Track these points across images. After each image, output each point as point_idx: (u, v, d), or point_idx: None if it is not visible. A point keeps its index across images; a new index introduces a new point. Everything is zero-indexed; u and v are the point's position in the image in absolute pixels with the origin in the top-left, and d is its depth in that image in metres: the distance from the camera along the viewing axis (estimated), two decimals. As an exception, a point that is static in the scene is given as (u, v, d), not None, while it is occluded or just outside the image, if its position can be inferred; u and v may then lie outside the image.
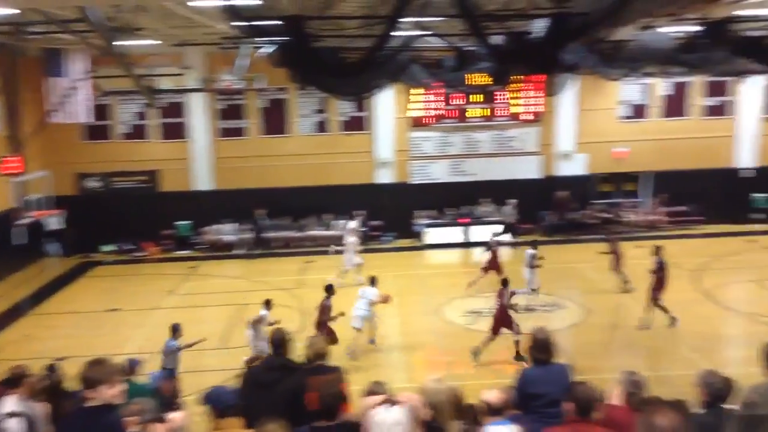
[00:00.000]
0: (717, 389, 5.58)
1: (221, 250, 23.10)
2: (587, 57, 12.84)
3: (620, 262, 17.10)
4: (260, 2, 9.66)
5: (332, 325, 13.23)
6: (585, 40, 10.92)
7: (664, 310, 14.70)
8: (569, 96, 22.71)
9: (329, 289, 13.49)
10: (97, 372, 4.53)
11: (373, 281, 14.46)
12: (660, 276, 14.63)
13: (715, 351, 13.66)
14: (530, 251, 16.67)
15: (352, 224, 19.68)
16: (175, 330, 11.65)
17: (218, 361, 13.96)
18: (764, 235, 22.10)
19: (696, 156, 23.54)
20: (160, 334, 15.53)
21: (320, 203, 23.43)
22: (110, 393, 4.50)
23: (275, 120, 23.67)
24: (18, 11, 11.83)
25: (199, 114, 23.43)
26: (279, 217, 23.52)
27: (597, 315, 15.76)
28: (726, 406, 5.80)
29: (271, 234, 23.27)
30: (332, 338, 12.65)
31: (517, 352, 12.83)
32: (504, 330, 13.08)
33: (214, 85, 20.28)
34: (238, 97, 23.27)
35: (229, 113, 23.68)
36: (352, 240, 19.12)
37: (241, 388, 6.28)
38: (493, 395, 5.41)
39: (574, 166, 23.93)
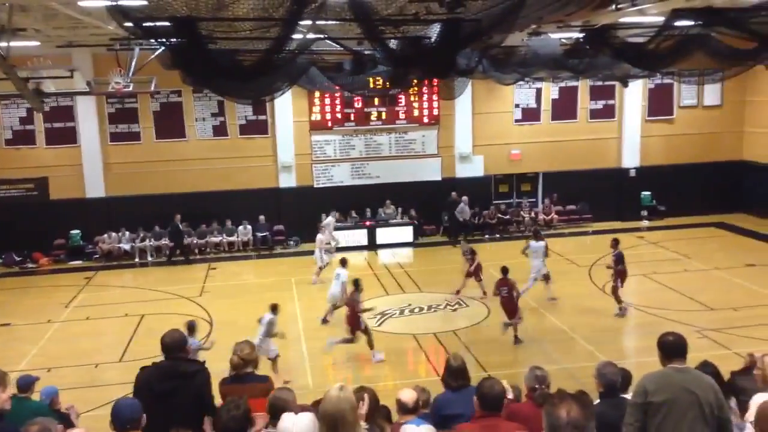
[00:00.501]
0: (612, 380, 5.87)
1: (118, 259, 22.20)
2: (481, 62, 13.20)
3: (477, 269, 17.20)
4: (148, 3, 9.33)
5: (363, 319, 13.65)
6: (478, 45, 11.24)
7: (618, 300, 15.56)
8: (466, 99, 23.30)
9: (357, 284, 13.80)
10: None
11: (343, 263, 15.54)
12: (619, 268, 15.47)
13: (611, 343, 14.33)
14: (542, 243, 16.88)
15: (327, 221, 20.49)
16: (191, 328, 11.37)
17: (118, 374, 13.41)
18: (651, 231, 23.44)
19: (585, 157, 24.72)
20: (57, 349, 14.89)
21: (222, 209, 22.94)
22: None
23: (170, 124, 22.96)
24: None
25: (89, 118, 22.42)
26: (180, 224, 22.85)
27: (500, 313, 16.15)
28: (624, 396, 6.13)
29: (170, 241, 22.61)
30: (353, 332, 13.43)
31: (516, 336, 14.24)
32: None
33: (104, 88, 19.40)
34: (130, 101, 22.44)
35: (121, 117, 22.77)
36: (321, 237, 19.35)
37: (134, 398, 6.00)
38: (407, 394, 5.44)
39: (473, 168, 24.56)
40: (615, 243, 15.81)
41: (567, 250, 21.46)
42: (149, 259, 22.34)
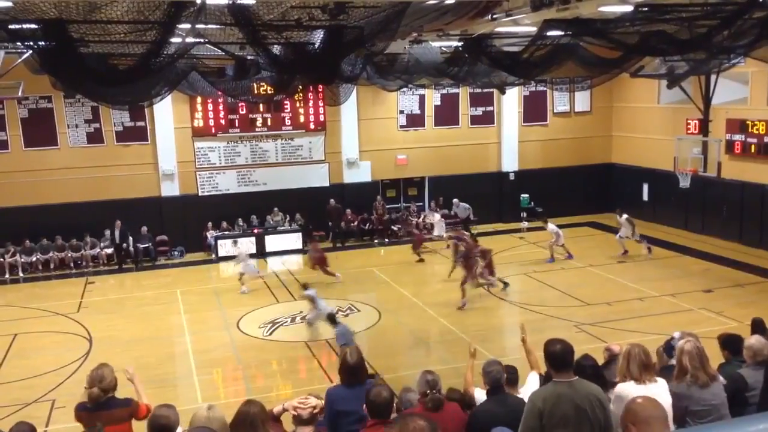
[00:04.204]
0: (497, 377, 6.05)
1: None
2: (365, 68, 13.34)
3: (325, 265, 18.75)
4: (13, 4, 8.78)
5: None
6: (361, 52, 11.36)
7: (463, 293, 16.35)
8: (352, 106, 23.44)
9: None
10: None
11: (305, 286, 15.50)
12: (468, 263, 16.41)
13: (497, 341, 14.86)
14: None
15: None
16: None
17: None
18: (530, 232, 24.48)
19: (468, 161, 25.50)
20: None
21: (100, 219, 21.85)
22: None
23: (40, 131, 21.59)
24: None
25: (-53, 125, 20.77)
26: (53, 237, 21.57)
27: (390, 316, 16.38)
28: (511, 393, 6.33)
29: (45, 255, 21.32)
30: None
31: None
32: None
33: (-36, 94, 18.06)
34: (-5, 107, 20.99)
35: (-14, 124, 21.25)
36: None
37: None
38: (302, 407, 5.31)
39: (360, 173, 24.75)
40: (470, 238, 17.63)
41: (450, 253, 22.04)
42: (20, 274, 20.93)
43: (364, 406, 5.20)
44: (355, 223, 24.07)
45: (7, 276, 20.77)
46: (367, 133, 24.65)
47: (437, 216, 23.55)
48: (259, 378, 13.39)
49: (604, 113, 26.84)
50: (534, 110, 26.22)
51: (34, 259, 21.23)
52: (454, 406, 5.90)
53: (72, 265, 21.45)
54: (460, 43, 13.22)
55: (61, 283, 20.35)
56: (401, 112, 25.06)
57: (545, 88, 23.49)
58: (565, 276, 19.06)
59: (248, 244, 22.11)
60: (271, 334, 15.46)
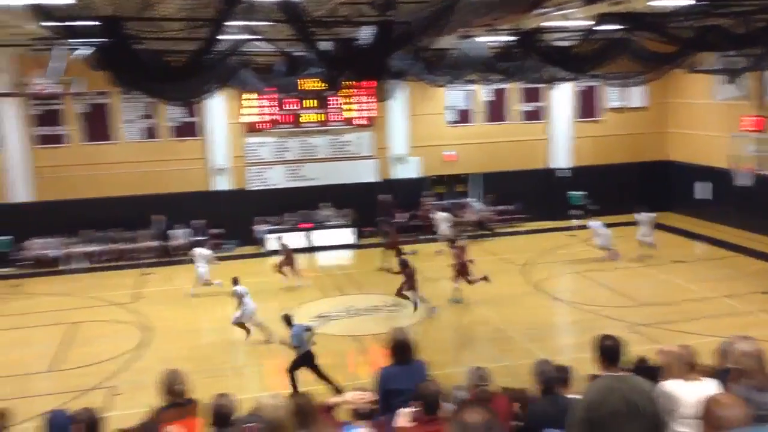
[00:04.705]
0: (550, 377, 5.98)
1: (46, 266, 21.37)
2: (413, 64, 13.30)
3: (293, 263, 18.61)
4: (73, 1, 9.05)
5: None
6: (409, 47, 11.32)
7: (403, 297, 16.16)
8: (400, 101, 23.44)
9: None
10: None
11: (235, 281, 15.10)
12: (407, 272, 16.00)
13: (548, 340, 14.63)
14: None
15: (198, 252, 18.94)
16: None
17: (51, 384, 13.05)
18: (583, 230, 24.05)
19: (517, 158, 25.21)
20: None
21: (154, 212, 22.40)
22: None
23: (98, 126, 22.28)
24: None
25: (11, 121, 21.53)
26: (108, 229, 22.22)
27: (439, 312, 16.30)
28: (564, 394, 6.24)
29: (102, 247, 21.96)
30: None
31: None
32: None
33: (26, 90, 18.69)
34: (55, 102, 21.67)
35: (46, 119, 21.97)
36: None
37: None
38: (360, 401, 5.35)
39: (409, 169, 24.73)
40: (399, 252, 17.28)
41: (502, 250, 21.86)
42: (79, 265, 21.58)
43: (418, 402, 5.18)
44: (405, 218, 24.00)
45: (66, 266, 21.44)
46: (416, 129, 24.60)
47: (443, 215, 22.52)
48: (309, 371, 13.49)
49: (660, 109, 26.16)
50: (587, 106, 25.75)
51: (92, 250, 21.88)
52: (502, 399, 5.85)
53: (126, 257, 22.02)
54: (509, 38, 13.07)
55: (117, 273, 20.90)
56: (450, 107, 24.92)
57: (597, 84, 23.02)
58: (618, 275, 18.68)
59: (297, 239, 22.33)
60: (321, 327, 15.59)
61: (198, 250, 18.63)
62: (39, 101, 21.36)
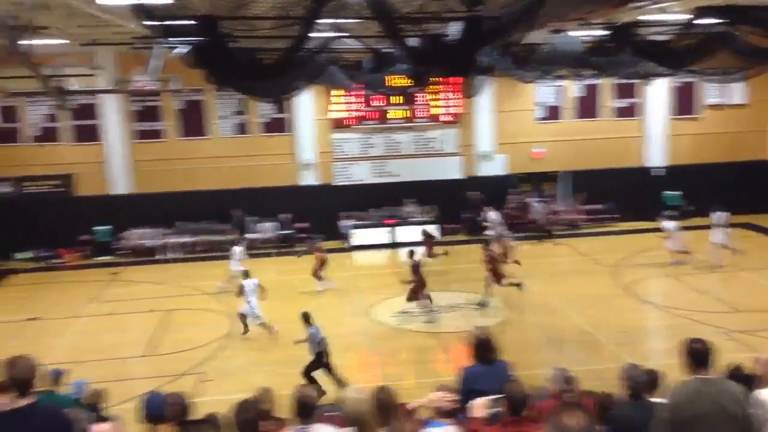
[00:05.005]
0: (640, 382, 5.78)
1: (143, 255, 22.42)
2: (502, 60, 13.12)
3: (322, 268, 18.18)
4: (172, 1, 9.43)
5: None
6: (498, 43, 11.17)
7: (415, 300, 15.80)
8: (487, 98, 23.18)
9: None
10: (26, 369, 4.35)
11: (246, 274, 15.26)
12: (417, 277, 15.68)
13: (637, 344, 14.14)
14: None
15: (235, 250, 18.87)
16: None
17: (146, 368, 13.70)
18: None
19: (609, 155, 24.45)
20: (83, 343, 15.12)
21: (243, 206, 23.08)
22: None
23: (193, 122, 23.18)
24: None
25: (113, 116, 22.70)
26: (201, 221, 23.07)
27: (522, 312, 16.09)
28: (652, 399, 6.03)
29: (195, 238, 22.81)
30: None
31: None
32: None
33: (127, 86, 19.61)
34: (154, 99, 22.67)
35: (145, 115, 23.04)
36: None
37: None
38: (444, 400, 5.34)
39: (495, 167, 24.44)
40: (411, 253, 16.30)
41: (592, 250, 21.30)
42: (174, 255, 22.50)
43: (506, 402, 5.10)
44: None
45: (162, 256, 22.41)
46: (503, 126, 24.28)
47: (494, 215, 21.58)
48: (390, 366, 13.59)
49: (761, 107, 24.79)
50: (684, 102, 24.69)
51: (185, 241, 22.77)
52: (588, 404, 5.70)
53: (217, 248, 22.75)
54: (603, 32, 12.68)
55: (207, 264, 21.62)
56: (539, 104, 24.45)
57: (695, 79, 22.00)
58: (714, 279, 17.86)
59: (381, 234, 22.47)
60: (402, 323, 15.66)
61: (237, 248, 18.76)
62: (139, 98, 22.41)
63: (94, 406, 8.15)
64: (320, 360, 11.90)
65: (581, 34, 13.57)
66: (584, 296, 16.65)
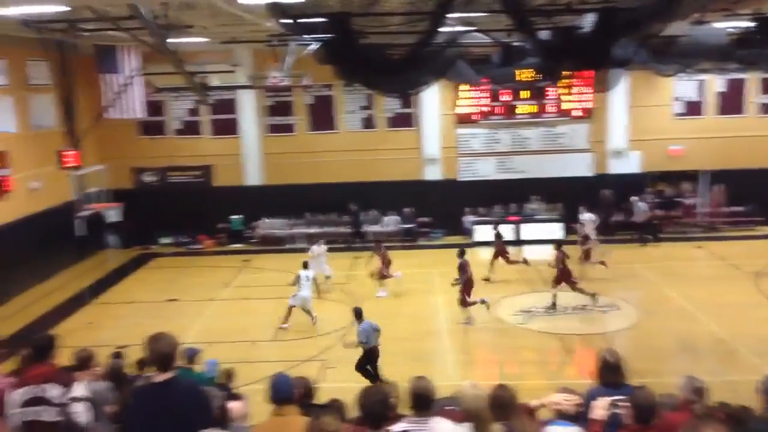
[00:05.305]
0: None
1: (273, 244, 23.41)
2: (638, 52, 12.51)
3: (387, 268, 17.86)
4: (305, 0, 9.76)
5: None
6: (635, 35, 10.69)
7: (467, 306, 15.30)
8: (621, 92, 22.22)
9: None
10: (169, 345, 4.63)
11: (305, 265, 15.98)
12: (466, 278, 15.32)
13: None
14: None
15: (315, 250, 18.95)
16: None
17: (272, 352, 14.38)
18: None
19: (754, 154, 22.74)
20: (217, 324, 16.04)
21: (368, 199, 23.54)
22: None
23: (322, 116, 23.89)
24: (69, 8, 12.19)
25: (248, 110, 23.81)
26: (327, 212, 23.76)
27: (654, 317, 15.39)
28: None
29: (322, 229, 23.49)
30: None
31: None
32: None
33: (263, 82, 20.49)
34: (286, 94, 23.54)
35: (278, 110, 23.99)
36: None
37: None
38: (567, 402, 5.24)
39: (627, 164, 23.43)
40: (461, 253, 15.76)
41: (732, 254, 19.97)
42: (302, 245, 23.25)
43: (631, 409, 4.91)
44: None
45: (291, 245, 23.23)
46: (637, 121, 23.21)
47: (589, 216, 20.40)
48: (510, 364, 13.43)
49: None
50: None
51: (313, 232, 23.49)
52: (719, 416, 5.35)
53: (341, 240, 23.29)
54: (751, 23, 11.82)
55: (332, 255, 22.15)
56: (677, 99, 23.17)
57: None
58: None
59: (505, 231, 22.09)
60: (525, 322, 15.41)
61: (316, 248, 18.87)
62: (272, 93, 23.35)
63: (225, 385, 8.60)
64: (372, 355, 11.94)
65: (726, 26, 12.73)
66: (721, 303, 15.65)
